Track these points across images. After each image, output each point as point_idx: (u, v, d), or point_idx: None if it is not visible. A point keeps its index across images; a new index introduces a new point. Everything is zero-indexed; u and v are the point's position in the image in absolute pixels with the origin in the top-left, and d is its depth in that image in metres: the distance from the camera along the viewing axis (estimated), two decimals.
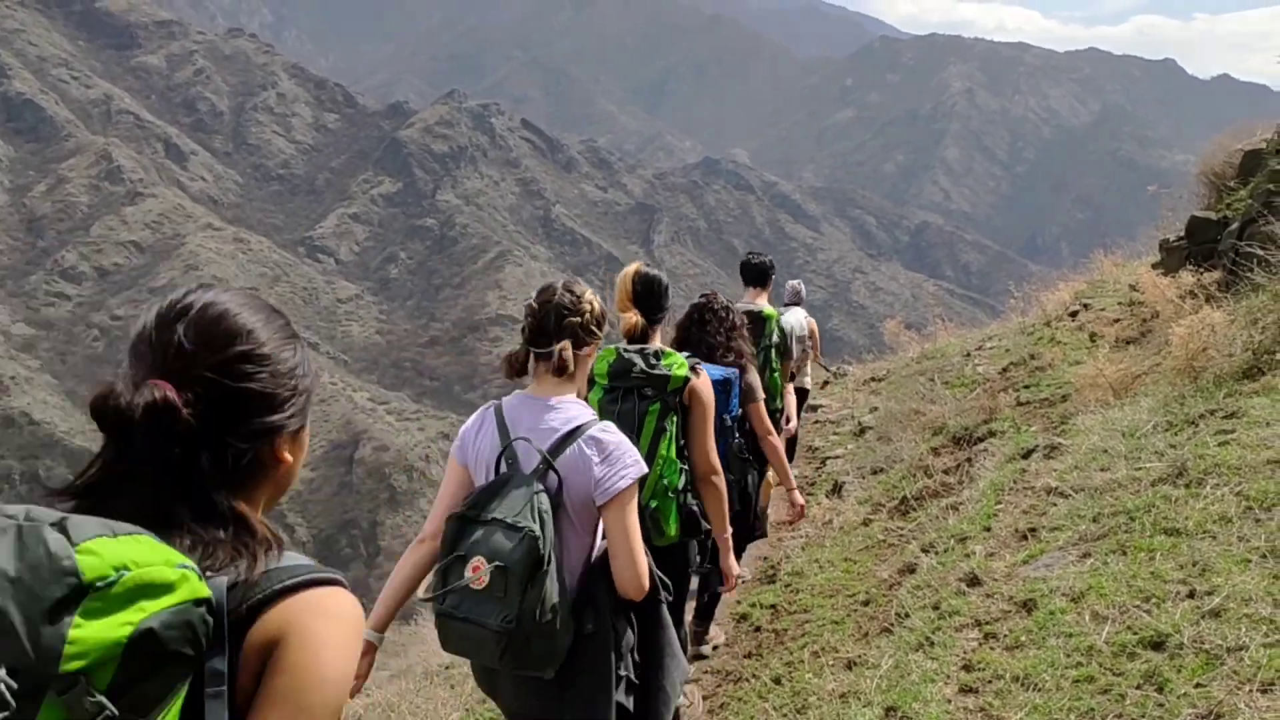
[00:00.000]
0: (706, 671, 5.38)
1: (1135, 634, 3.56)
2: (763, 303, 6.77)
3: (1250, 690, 3.03)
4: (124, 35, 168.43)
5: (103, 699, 1.17)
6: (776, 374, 6.52)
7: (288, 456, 1.60)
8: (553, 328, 3.20)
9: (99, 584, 1.21)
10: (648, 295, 4.04)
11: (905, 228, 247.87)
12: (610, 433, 2.98)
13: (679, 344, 5.03)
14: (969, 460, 7.30)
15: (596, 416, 3.07)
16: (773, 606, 5.88)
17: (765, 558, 7.23)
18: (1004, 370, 9.95)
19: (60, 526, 1.23)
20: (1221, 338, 6.08)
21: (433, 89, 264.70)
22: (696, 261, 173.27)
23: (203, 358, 1.52)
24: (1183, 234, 10.24)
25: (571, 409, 3.06)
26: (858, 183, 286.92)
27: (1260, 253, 7.02)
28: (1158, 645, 3.46)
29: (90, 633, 1.18)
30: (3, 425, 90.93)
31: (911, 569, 5.22)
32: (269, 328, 1.61)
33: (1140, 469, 4.89)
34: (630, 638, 3.00)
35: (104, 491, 1.40)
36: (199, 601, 1.29)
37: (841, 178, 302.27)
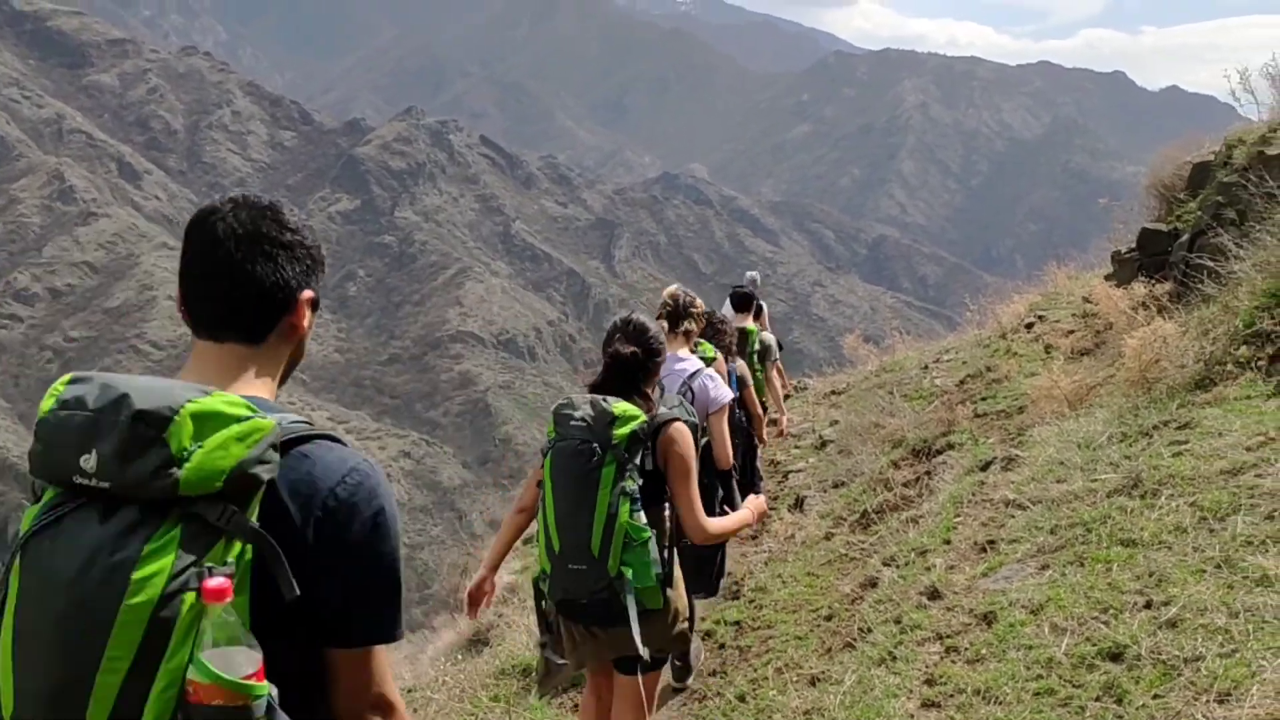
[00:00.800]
0: (671, 688, 5.39)
1: (1094, 645, 3.59)
2: (748, 323, 8.63)
3: (1207, 701, 3.07)
4: (76, 54, 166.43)
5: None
6: (760, 373, 8.36)
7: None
8: (682, 314, 5.28)
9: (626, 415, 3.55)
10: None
11: (863, 241, 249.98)
12: (715, 375, 5.21)
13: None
14: (928, 473, 7.36)
15: (704, 366, 5.25)
16: (737, 623, 5.89)
17: (730, 573, 7.23)
18: (961, 382, 10.04)
19: (605, 400, 3.57)
20: (1174, 349, 6.17)
21: (389, 105, 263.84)
22: (657, 276, 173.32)
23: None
24: (1134, 246, 10.39)
25: (693, 361, 5.22)
26: (815, 196, 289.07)
27: (1210, 264, 7.14)
28: (1116, 657, 3.49)
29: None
30: None
31: (873, 583, 5.25)
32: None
33: (1096, 480, 4.95)
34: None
35: (602, 387, 3.70)
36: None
37: (799, 192, 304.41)
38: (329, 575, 1.61)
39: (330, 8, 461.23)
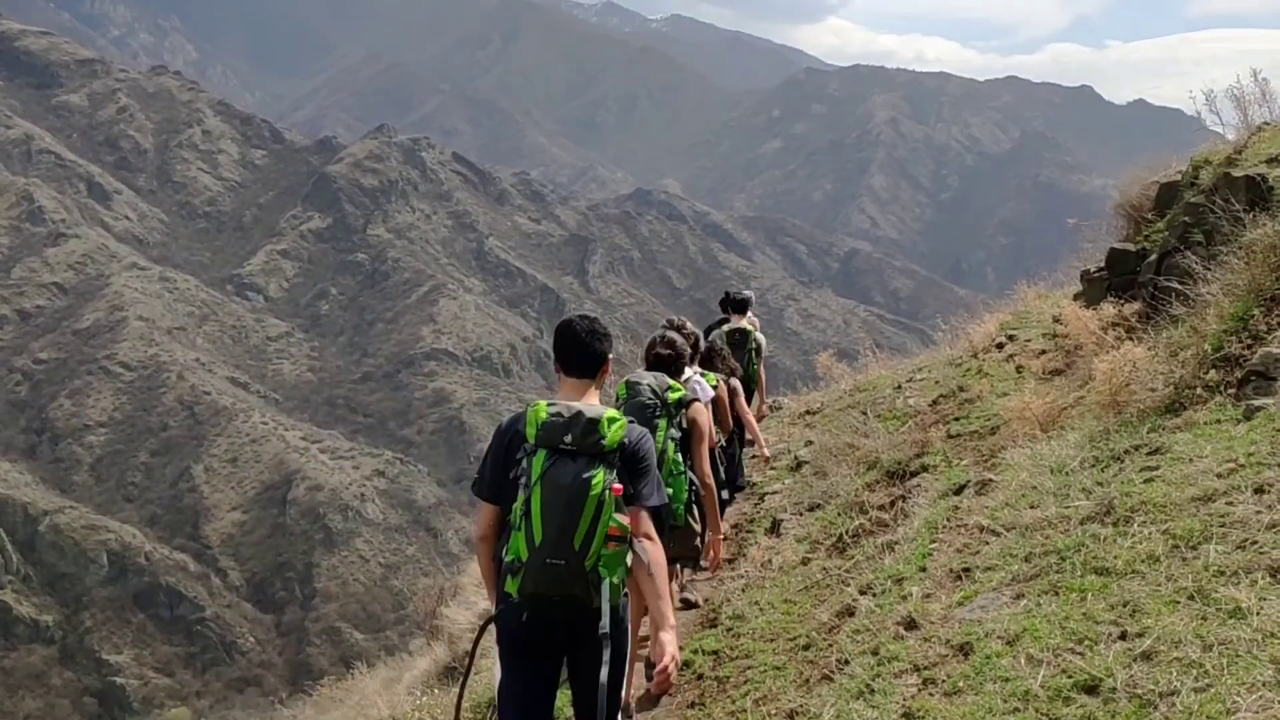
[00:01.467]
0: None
1: (1070, 678, 3.60)
2: (744, 323, 10.28)
3: None
4: (44, 74, 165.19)
5: None
6: (756, 368, 10.21)
7: None
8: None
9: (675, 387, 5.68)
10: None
11: (835, 255, 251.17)
12: (701, 378, 6.67)
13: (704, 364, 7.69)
14: (903, 496, 7.38)
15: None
16: (715, 652, 5.88)
17: (707, 599, 7.23)
18: (934, 403, 10.09)
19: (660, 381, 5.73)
20: (1143, 373, 6.22)
21: (360, 123, 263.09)
22: (631, 291, 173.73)
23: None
24: (1103, 265, 10.49)
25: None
26: (787, 211, 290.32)
27: (1178, 286, 7.21)
28: (1092, 689, 3.50)
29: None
30: None
31: (850, 611, 5.25)
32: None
33: (1069, 507, 4.98)
34: None
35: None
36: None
37: (771, 207, 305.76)
38: (636, 476, 3.83)
39: (299, 27, 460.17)
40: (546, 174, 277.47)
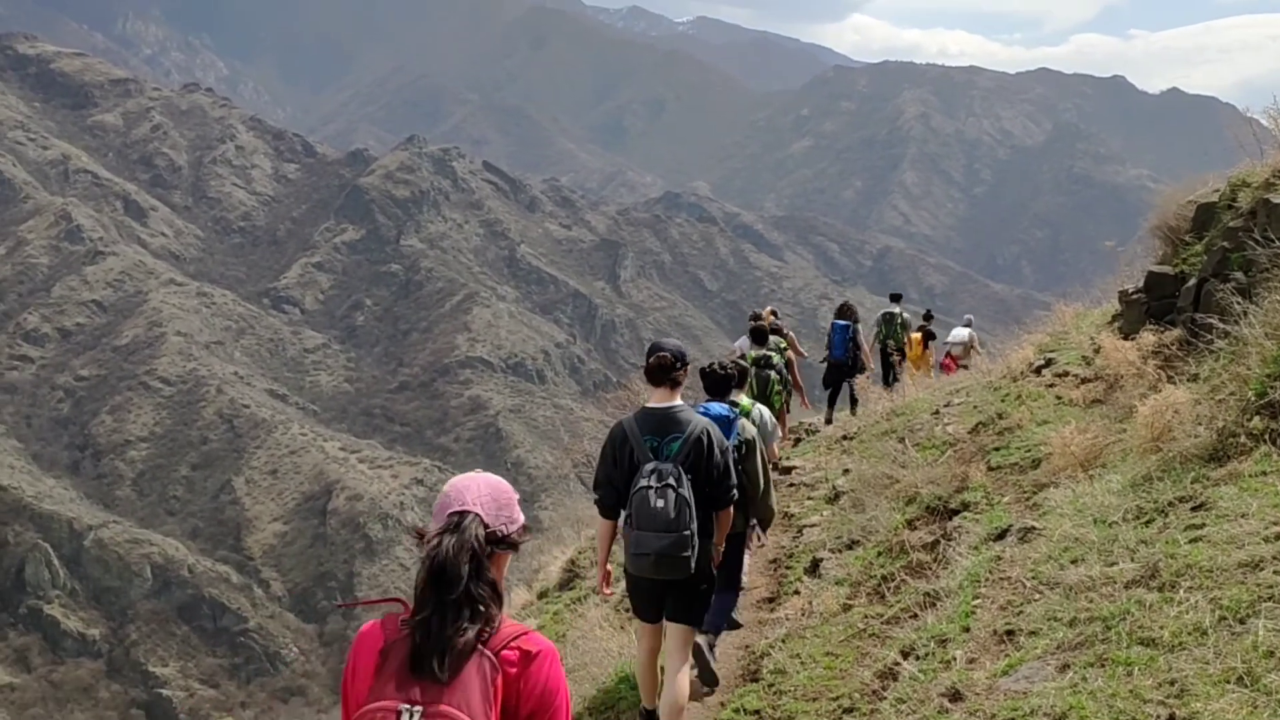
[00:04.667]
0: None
1: None
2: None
3: None
4: (79, 95, 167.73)
5: None
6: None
7: None
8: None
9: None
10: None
11: (868, 252, 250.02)
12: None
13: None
14: (944, 536, 7.35)
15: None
16: (756, 712, 5.87)
17: (747, 646, 7.23)
18: (973, 430, 10.02)
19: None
20: (1185, 418, 6.16)
21: (391, 135, 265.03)
22: (663, 295, 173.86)
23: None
24: (1141, 287, 10.37)
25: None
26: (818, 210, 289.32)
27: (1217, 322, 7.13)
28: None
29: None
30: None
31: (893, 675, 5.23)
32: None
33: (1113, 567, 4.93)
34: None
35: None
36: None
37: (802, 206, 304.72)
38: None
39: (327, 42, 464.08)
40: (576, 180, 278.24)
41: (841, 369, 14.93)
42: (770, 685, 6.15)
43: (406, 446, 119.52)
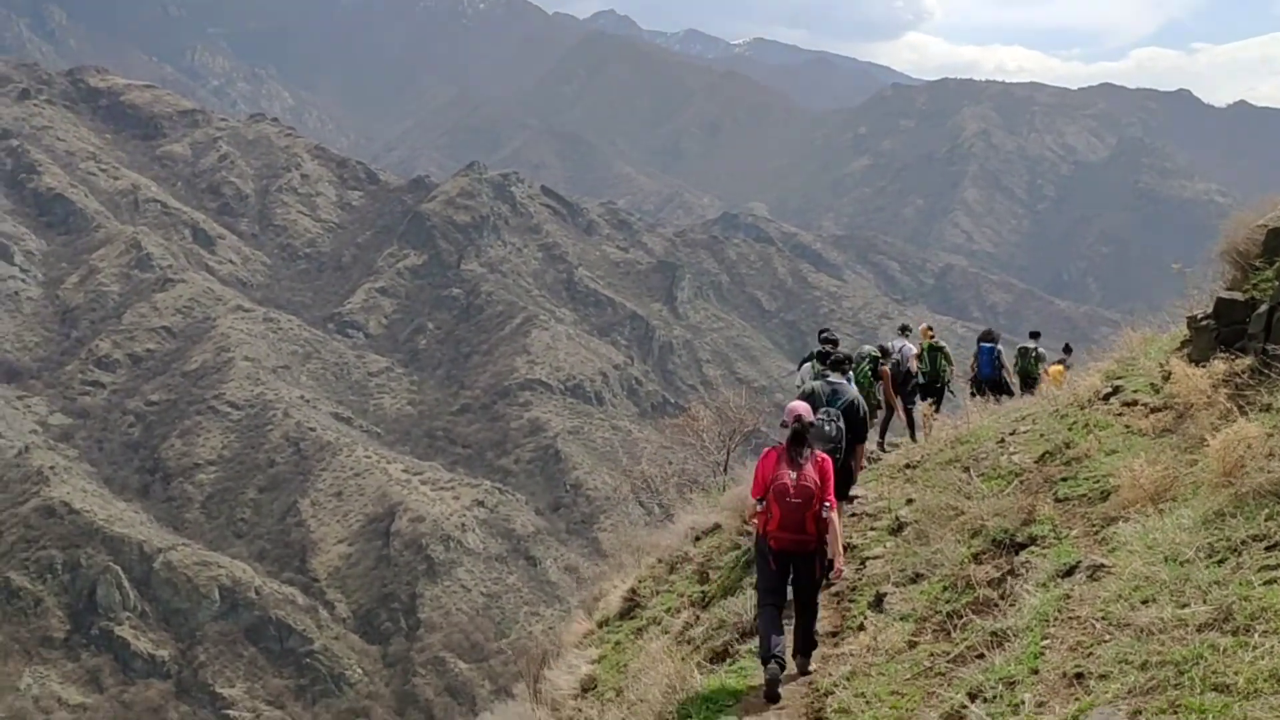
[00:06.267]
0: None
1: None
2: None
3: None
4: (149, 126, 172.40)
5: None
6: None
7: None
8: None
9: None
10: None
11: (929, 271, 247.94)
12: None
13: None
14: (1011, 572, 7.26)
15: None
16: None
17: (811, 683, 7.19)
18: (1040, 460, 9.88)
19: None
20: (1258, 452, 6.05)
21: (452, 161, 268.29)
22: (721, 315, 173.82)
23: None
24: (1210, 313, 10.18)
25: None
26: (878, 229, 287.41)
27: None
28: None
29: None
30: (44, 515, 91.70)
31: (960, 718, 5.18)
32: None
33: (1186, 608, 4.85)
34: None
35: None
36: None
37: (861, 225, 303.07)
38: None
39: (389, 70, 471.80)
40: (633, 203, 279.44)
41: (995, 385, 17.24)
42: None
43: (468, 468, 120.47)
